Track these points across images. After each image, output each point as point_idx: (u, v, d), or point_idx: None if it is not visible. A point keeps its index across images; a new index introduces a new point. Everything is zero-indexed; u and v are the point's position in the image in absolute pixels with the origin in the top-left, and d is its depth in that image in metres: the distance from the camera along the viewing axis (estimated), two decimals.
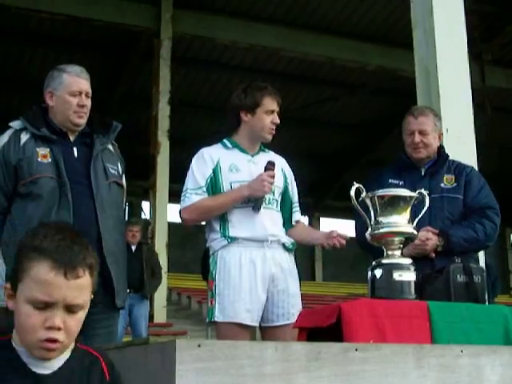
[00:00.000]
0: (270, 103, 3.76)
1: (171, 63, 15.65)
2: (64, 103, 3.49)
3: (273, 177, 3.67)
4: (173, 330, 13.71)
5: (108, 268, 3.37)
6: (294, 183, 3.97)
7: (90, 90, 3.55)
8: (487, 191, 3.91)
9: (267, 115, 3.75)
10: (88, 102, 3.53)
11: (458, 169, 3.97)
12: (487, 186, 3.94)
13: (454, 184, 3.88)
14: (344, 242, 3.67)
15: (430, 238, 3.61)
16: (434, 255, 3.61)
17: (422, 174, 3.94)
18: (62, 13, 15.13)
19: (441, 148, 4.04)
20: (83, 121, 3.53)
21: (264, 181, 3.62)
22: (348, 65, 18.03)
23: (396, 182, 3.88)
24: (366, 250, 3.75)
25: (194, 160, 3.80)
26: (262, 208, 3.67)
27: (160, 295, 13.44)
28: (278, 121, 3.79)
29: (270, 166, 3.70)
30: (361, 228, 3.46)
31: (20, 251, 1.77)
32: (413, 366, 2.16)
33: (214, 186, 3.71)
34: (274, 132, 3.80)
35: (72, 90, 3.49)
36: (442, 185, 3.87)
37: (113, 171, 3.57)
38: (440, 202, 3.78)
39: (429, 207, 3.47)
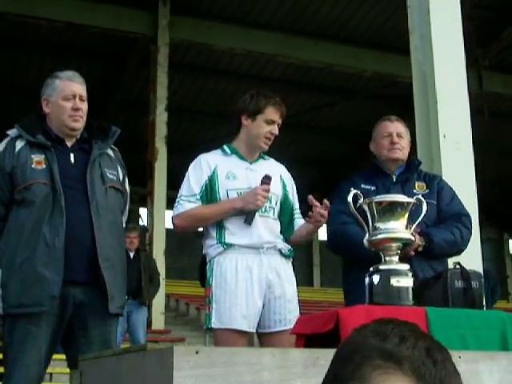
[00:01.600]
0: (272, 113, 3.76)
1: (168, 69, 15.67)
2: (58, 108, 3.50)
3: (267, 191, 3.66)
4: (171, 336, 13.71)
5: (102, 274, 3.36)
6: (295, 190, 3.97)
7: (84, 93, 3.55)
8: (459, 200, 4.02)
9: (267, 124, 3.75)
10: (83, 106, 3.52)
11: (428, 177, 4.08)
12: (456, 195, 4.03)
13: (427, 190, 3.95)
14: (323, 211, 3.62)
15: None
16: (413, 253, 3.62)
17: (394, 180, 4.00)
18: (60, 19, 15.17)
19: (412, 157, 4.13)
20: (79, 124, 3.52)
21: (258, 194, 3.61)
22: (345, 70, 18.07)
23: (368, 187, 3.91)
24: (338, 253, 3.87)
25: (191, 166, 3.80)
26: (257, 217, 3.66)
27: (158, 302, 13.43)
28: (276, 132, 3.78)
29: (266, 179, 3.68)
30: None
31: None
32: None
33: (210, 192, 3.71)
34: (269, 142, 3.79)
35: (65, 94, 3.50)
36: (414, 191, 3.91)
37: (111, 176, 3.56)
38: (414, 207, 3.81)
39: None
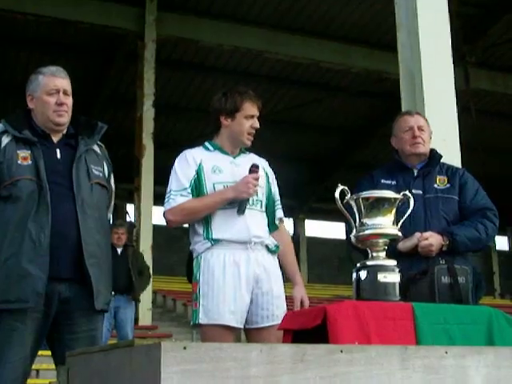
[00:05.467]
0: (250, 108, 3.76)
1: (156, 66, 15.65)
2: (43, 104, 3.48)
3: (257, 179, 3.67)
4: (158, 332, 13.70)
5: (87, 270, 3.35)
6: (275, 182, 3.98)
7: (68, 88, 3.53)
8: (483, 193, 3.94)
9: (247, 120, 3.75)
10: (67, 100, 3.50)
11: (450, 170, 4.00)
12: (481, 188, 3.97)
13: (448, 185, 3.90)
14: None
15: (427, 238, 3.61)
16: (433, 254, 3.61)
17: (415, 174, 3.96)
18: (47, 15, 15.10)
19: (433, 150, 4.07)
20: (64, 119, 3.51)
21: (249, 183, 3.62)
22: (332, 67, 18.11)
23: (388, 182, 3.89)
24: (357, 250, 3.76)
25: (176, 161, 3.79)
26: (246, 210, 3.67)
27: (145, 298, 13.40)
28: (257, 125, 3.79)
29: (254, 168, 3.70)
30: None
31: None
32: (398, 368, 2.16)
33: (197, 187, 3.70)
34: (252, 137, 3.80)
35: (48, 89, 3.48)
36: (435, 185, 3.89)
37: (97, 172, 3.54)
38: (435, 202, 3.81)
39: (424, 207, 3.50)
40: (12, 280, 3.26)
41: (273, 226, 3.88)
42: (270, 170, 3.98)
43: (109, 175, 3.66)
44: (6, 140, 3.43)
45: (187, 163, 3.74)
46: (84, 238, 3.36)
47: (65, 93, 3.50)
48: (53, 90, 3.47)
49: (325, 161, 23.39)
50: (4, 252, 3.29)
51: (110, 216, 3.79)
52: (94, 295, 3.35)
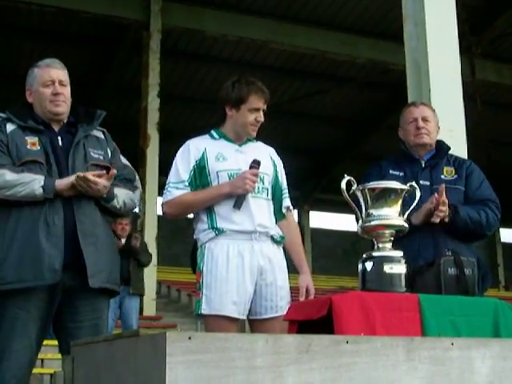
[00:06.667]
0: (256, 101, 3.72)
1: (160, 56, 15.61)
2: (39, 95, 3.53)
3: (256, 175, 3.65)
4: (162, 322, 13.72)
5: (80, 249, 3.34)
6: (283, 171, 3.96)
7: (64, 78, 3.56)
8: (488, 185, 3.97)
9: (251, 113, 3.72)
10: (64, 90, 3.54)
11: (458, 161, 4.02)
12: (486, 180, 3.98)
13: (455, 176, 3.92)
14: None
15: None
16: (437, 220, 3.62)
17: (423, 165, 3.97)
18: (51, 5, 15.07)
19: (441, 141, 4.08)
20: (61, 109, 3.54)
21: (246, 179, 3.60)
22: (338, 58, 18.04)
23: (396, 173, 3.91)
24: None
25: (179, 153, 3.79)
26: (249, 198, 3.64)
27: (150, 288, 13.43)
28: (261, 119, 3.75)
29: (254, 164, 3.67)
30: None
31: None
32: (403, 359, 2.16)
33: (200, 175, 3.69)
34: (256, 129, 3.77)
35: (43, 80, 3.52)
36: (443, 176, 3.90)
37: (95, 155, 3.56)
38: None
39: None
40: (26, 258, 3.28)
41: (279, 215, 3.87)
42: (278, 158, 3.96)
43: (112, 156, 3.66)
44: (11, 127, 3.48)
45: (188, 154, 3.73)
46: (78, 218, 3.38)
47: (60, 83, 3.53)
48: (48, 82, 3.52)
49: (329, 152, 23.35)
50: (19, 232, 3.32)
51: (139, 192, 3.77)
52: (88, 274, 3.33)
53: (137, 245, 8.94)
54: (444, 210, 3.61)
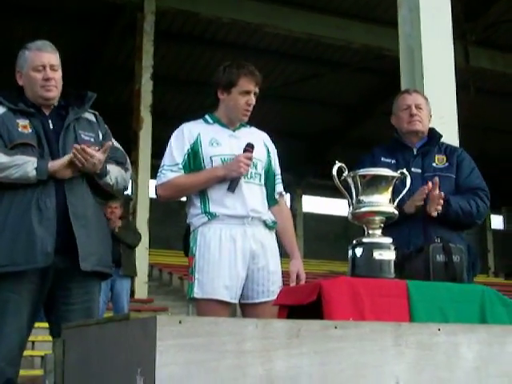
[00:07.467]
0: (246, 84, 3.72)
1: (154, 38, 15.54)
2: (30, 80, 3.51)
3: (250, 158, 3.66)
4: (154, 305, 13.75)
5: (72, 232, 3.35)
6: (276, 157, 3.97)
7: (55, 62, 3.54)
8: (478, 173, 4.00)
9: (242, 96, 3.72)
10: (55, 75, 3.52)
11: (449, 149, 4.05)
12: (477, 168, 4.02)
13: (446, 164, 3.96)
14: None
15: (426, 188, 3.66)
16: (435, 214, 3.67)
17: (415, 153, 4.00)
18: None
19: (433, 129, 4.11)
20: (52, 94, 3.53)
21: (240, 162, 3.62)
22: (333, 42, 17.99)
23: (388, 160, 3.94)
24: None
25: (173, 136, 3.80)
26: (242, 183, 3.66)
27: (141, 271, 13.46)
28: (252, 102, 3.75)
29: (248, 147, 3.69)
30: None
31: None
32: (391, 344, 2.18)
33: (193, 160, 3.71)
34: (248, 113, 3.78)
35: (34, 65, 3.49)
36: (434, 164, 3.94)
37: (86, 138, 3.55)
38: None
39: (423, 186, 3.55)
40: (19, 242, 3.29)
41: (272, 201, 3.89)
42: (271, 143, 3.97)
43: (104, 139, 3.66)
44: (1, 110, 3.48)
45: (183, 138, 3.74)
46: (69, 200, 3.39)
47: (52, 68, 3.51)
48: (39, 67, 3.50)
49: (323, 136, 23.34)
50: (11, 215, 3.33)
51: (129, 174, 3.78)
52: (79, 256, 3.35)
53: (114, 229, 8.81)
54: (441, 204, 3.67)
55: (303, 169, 24.89)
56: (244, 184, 3.69)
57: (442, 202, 3.67)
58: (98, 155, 3.41)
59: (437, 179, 3.68)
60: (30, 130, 3.43)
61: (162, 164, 3.75)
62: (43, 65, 3.49)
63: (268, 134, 4.03)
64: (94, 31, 17.48)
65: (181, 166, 3.69)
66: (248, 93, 3.73)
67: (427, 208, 3.68)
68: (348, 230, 23.12)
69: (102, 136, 3.67)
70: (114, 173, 3.59)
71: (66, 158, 3.37)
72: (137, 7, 15.77)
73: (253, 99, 3.76)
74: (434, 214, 3.67)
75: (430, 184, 3.66)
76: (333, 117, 22.40)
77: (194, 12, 16.45)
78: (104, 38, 17.59)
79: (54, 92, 3.53)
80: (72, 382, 2.39)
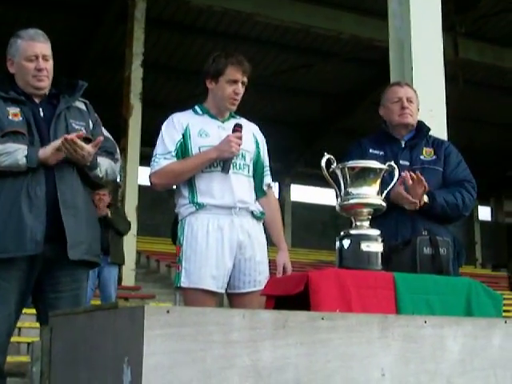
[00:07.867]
0: (233, 73, 3.73)
1: (145, 25, 15.47)
2: (22, 69, 3.50)
3: (240, 138, 3.68)
4: (141, 293, 13.76)
5: (61, 220, 3.35)
6: (266, 149, 3.98)
7: (47, 52, 3.53)
8: (465, 166, 4.02)
9: (229, 85, 3.73)
10: (47, 65, 3.51)
11: (437, 142, 4.07)
12: (464, 161, 4.04)
13: (434, 156, 3.98)
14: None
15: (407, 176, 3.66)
16: (417, 207, 3.70)
17: (403, 145, 4.01)
18: None
19: (421, 122, 4.12)
20: (44, 83, 3.52)
21: (231, 141, 3.63)
22: (323, 32, 17.95)
23: (376, 152, 3.95)
24: None
25: (164, 125, 3.81)
26: (231, 171, 3.68)
27: (129, 258, 13.44)
28: (240, 91, 3.76)
29: (237, 127, 3.71)
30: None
31: None
32: (377, 336, 2.20)
33: (183, 151, 3.72)
34: (236, 102, 3.78)
35: (27, 55, 3.48)
36: (422, 157, 3.96)
37: (77, 127, 3.55)
38: (421, 174, 3.85)
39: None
40: (9, 229, 3.29)
41: (260, 192, 3.90)
42: (261, 135, 3.98)
43: (94, 128, 3.65)
44: None
45: (174, 127, 3.75)
46: (60, 188, 3.38)
47: (44, 58, 3.50)
48: (32, 57, 3.48)
49: (312, 126, 23.34)
50: (0, 203, 3.33)
51: (119, 164, 3.79)
52: (68, 245, 3.35)
53: (107, 214, 8.77)
54: (416, 201, 3.69)
55: (292, 158, 24.91)
56: (232, 175, 3.70)
57: (421, 195, 3.68)
58: (88, 148, 3.40)
59: (418, 174, 3.68)
60: (21, 118, 3.42)
61: (154, 153, 3.76)
62: (36, 55, 3.48)
63: (257, 122, 4.03)
64: (84, 19, 17.34)
65: (173, 154, 3.71)
66: (235, 82, 3.74)
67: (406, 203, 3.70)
68: (336, 219, 23.14)
69: (93, 125, 3.66)
70: (104, 165, 3.58)
71: (57, 143, 3.35)
72: None
73: (240, 88, 3.76)
74: (412, 208, 3.69)
75: (407, 174, 3.66)
76: (323, 106, 22.39)
77: (185, 0, 16.38)
78: (95, 25, 17.48)
79: (46, 82, 3.53)
80: (59, 369, 2.39)
